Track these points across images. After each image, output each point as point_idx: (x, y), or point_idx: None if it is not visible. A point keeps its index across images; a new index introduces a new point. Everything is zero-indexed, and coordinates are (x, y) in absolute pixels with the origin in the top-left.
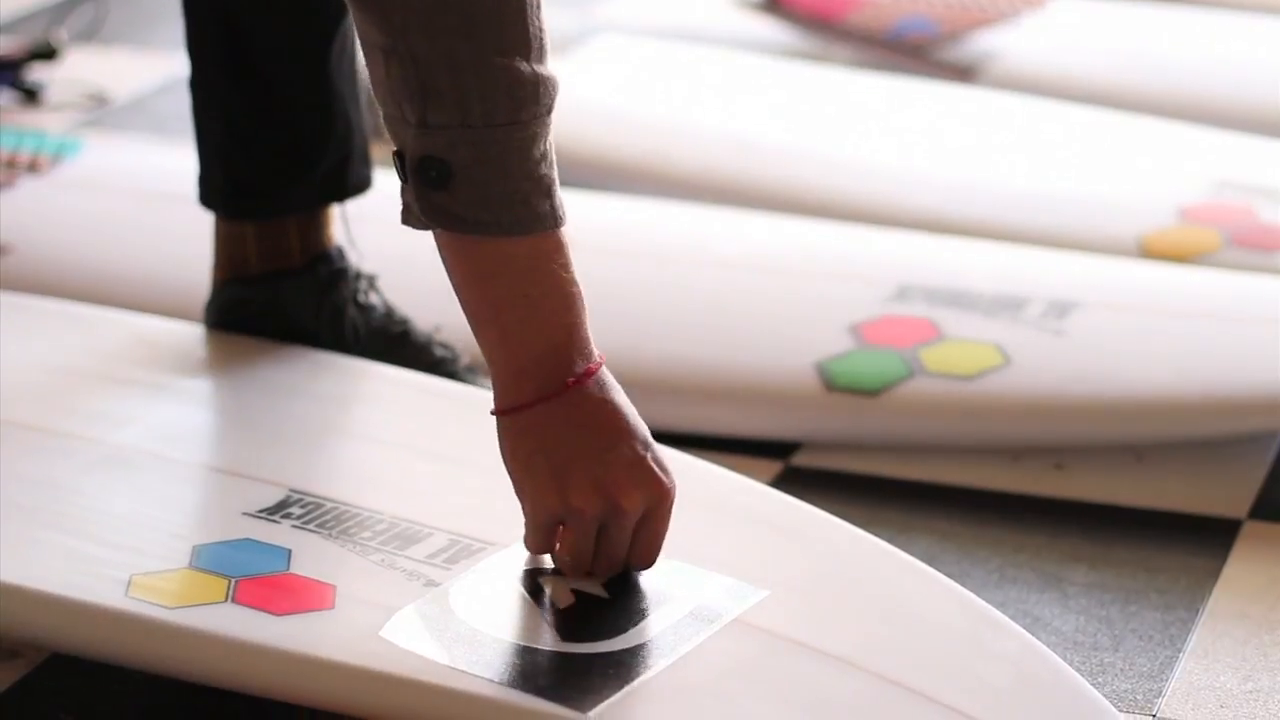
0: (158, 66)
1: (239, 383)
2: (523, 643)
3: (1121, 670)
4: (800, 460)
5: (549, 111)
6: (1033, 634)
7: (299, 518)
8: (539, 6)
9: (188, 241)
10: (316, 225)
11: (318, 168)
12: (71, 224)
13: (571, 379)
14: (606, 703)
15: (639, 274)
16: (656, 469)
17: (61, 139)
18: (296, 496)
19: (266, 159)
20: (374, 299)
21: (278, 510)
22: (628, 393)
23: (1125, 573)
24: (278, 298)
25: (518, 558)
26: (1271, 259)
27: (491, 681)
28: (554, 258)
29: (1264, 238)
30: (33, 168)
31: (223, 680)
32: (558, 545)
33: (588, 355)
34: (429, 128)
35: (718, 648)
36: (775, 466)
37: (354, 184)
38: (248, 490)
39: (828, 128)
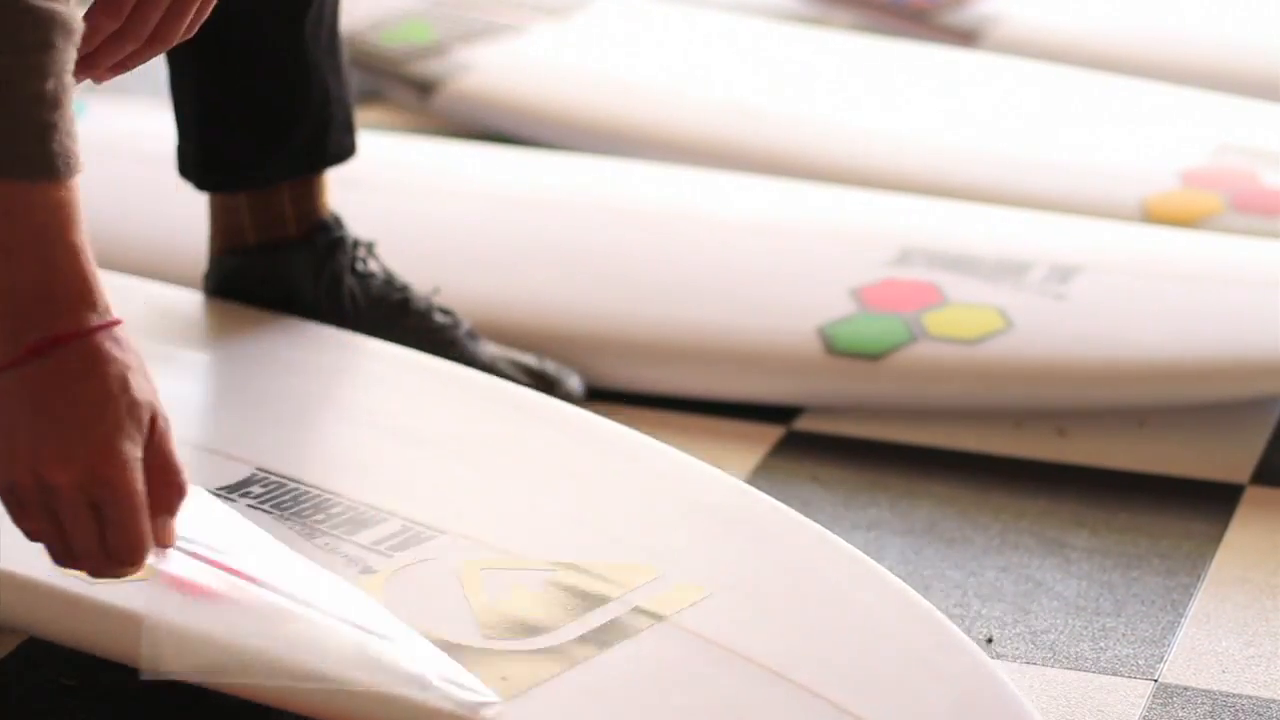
0: None
1: (231, 355)
2: (445, 637)
3: (1123, 635)
4: (802, 425)
5: (49, 48)
6: (1034, 599)
7: (257, 497)
8: None
9: (190, 205)
10: (310, 194)
11: (292, 139)
12: None
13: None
14: (509, 699)
15: (641, 238)
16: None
17: None
18: (262, 475)
19: (238, 130)
20: (373, 266)
21: (239, 488)
22: (632, 356)
23: (1127, 538)
24: (276, 268)
25: (461, 547)
26: (1274, 223)
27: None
28: (42, 211)
29: (1266, 201)
30: None
31: (123, 658)
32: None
33: (76, 317)
34: None
35: (644, 650)
36: (777, 431)
37: (334, 153)
38: (216, 467)
39: (829, 92)
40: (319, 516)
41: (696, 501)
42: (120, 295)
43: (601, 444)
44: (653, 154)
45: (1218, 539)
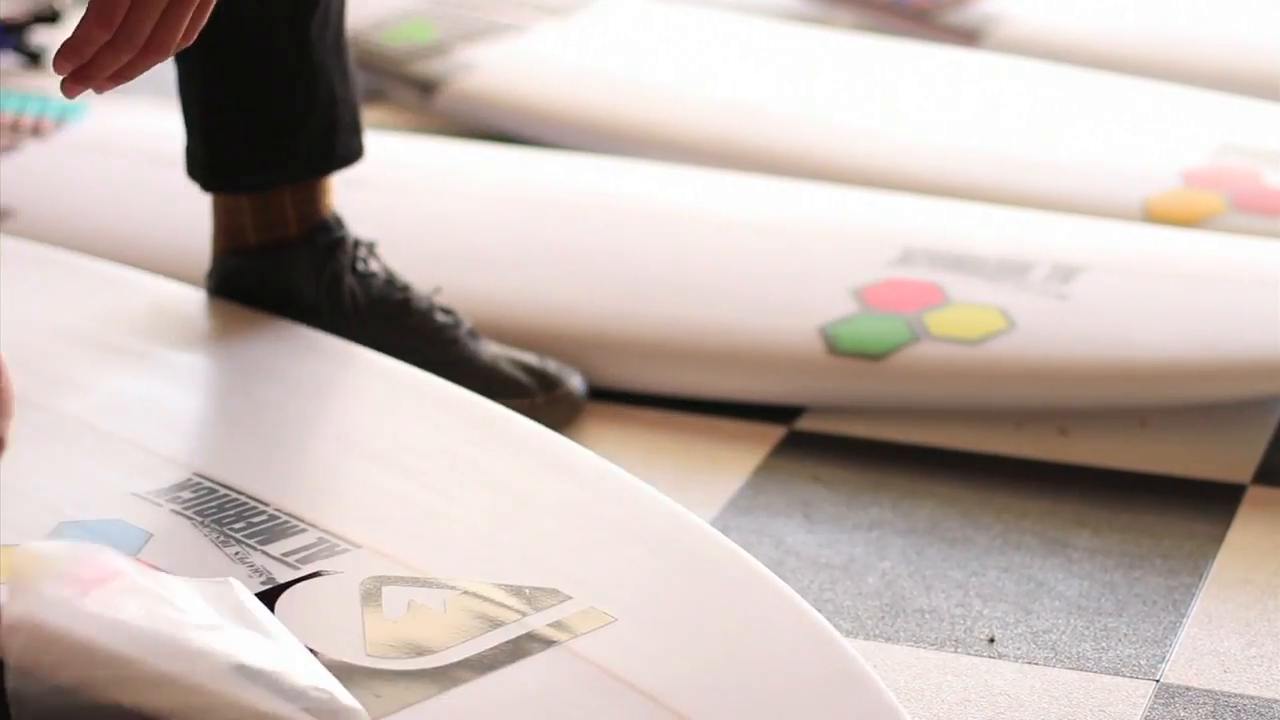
0: None
1: (217, 358)
2: (328, 653)
3: (1125, 635)
4: (804, 424)
5: None
6: (1036, 599)
7: (185, 502)
8: None
9: (192, 204)
10: (312, 195)
11: (298, 141)
12: (76, 187)
13: None
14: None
15: (643, 238)
16: None
17: (65, 103)
18: (197, 480)
19: (243, 132)
20: (374, 266)
21: (170, 492)
22: (633, 356)
23: (1129, 538)
24: (276, 268)
25: (371, 563)
26: (1275, 223)
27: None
28: None
29: (1268, 202)
30: (36, 131)
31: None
32: None
33: None
34: None
35: (527, 674)
36: (779, 431)
37: (342, 156)
38: (155, 470)
39: (831, 92)
40: (238, 525)
41: (641, 533)
42: (125, 289)
43: (561, 469)
44: (655, 154)
45: (1220, 539)
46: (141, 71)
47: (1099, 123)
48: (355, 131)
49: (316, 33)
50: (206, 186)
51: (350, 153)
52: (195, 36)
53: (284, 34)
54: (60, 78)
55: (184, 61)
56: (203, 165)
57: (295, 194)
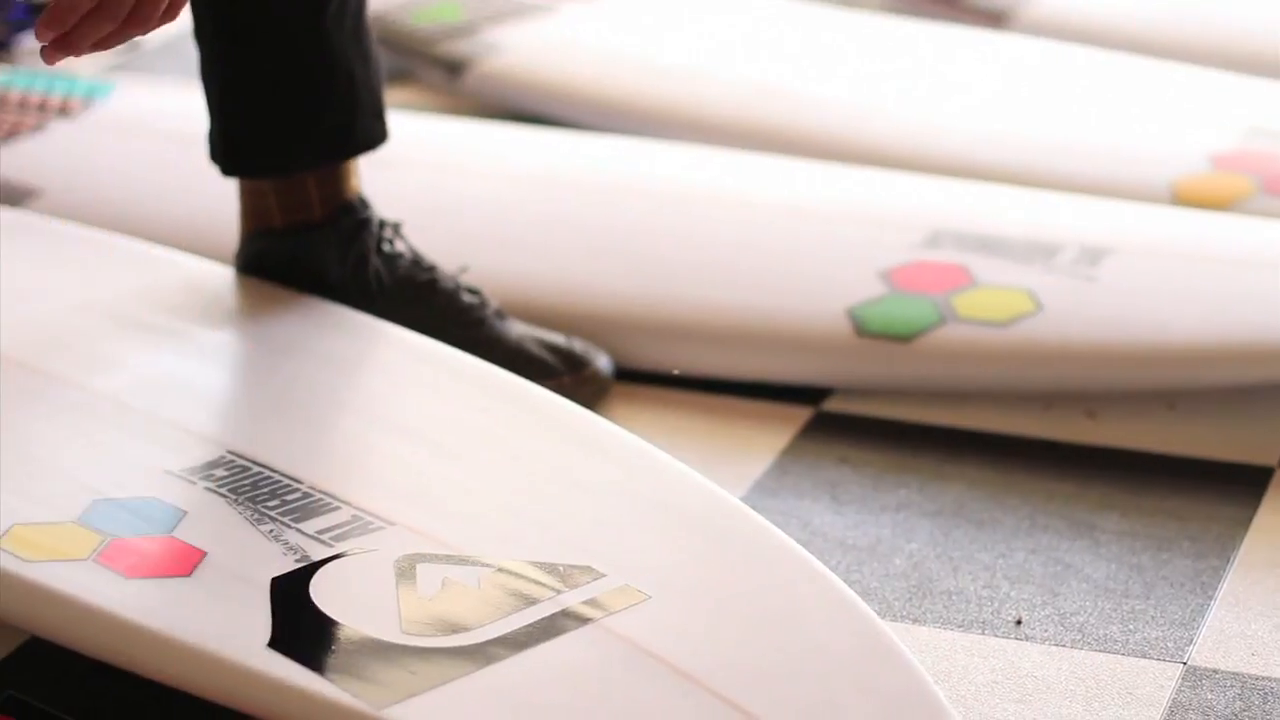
0: (189, 9)
1: (248, 336)
2: (364, 631)
3: (1153, 618)
4: (831, 406)
5: None
6: (1064, 581)
7: (218, 480)
8: None
9: (219, 184)
10: (336, 178)
11: (317, 126)
12: (102, 167)
13: None
14: (411, 696)
15: (670, 219)
16: None
17: (92, 82)
18: (230, 459)
19: (260, 118)
20: (400, 246)
21: (203, 470)
22: (661, 336)
23: (1156, 521)
24: (301, 250)
25: (405, 541)
26: None
27: (298, 665)
28: None
29: None
30: (63, 111)
31: (45, 634)
32: None
33: None
34: None
35: (562, 652)
36: (806, 412)
37: (363, 140)
38: (188, 448)
39: (858, 73)
40: (273, 503)
41: (674, 510)
42: (155, 267)
43: (594, 447)
44: (681, 135)
45: (1247, 522)
46: (122, 42)
47: (1127, 105)
48: (377, 116)
49: (334, 17)
50: (226, 171)
51: (372, 137)
52: (178, 13)
53: (300, 18)
54: (41, 44)
55: (204, 45)
56: (222, 150)
57: (319, 176)
